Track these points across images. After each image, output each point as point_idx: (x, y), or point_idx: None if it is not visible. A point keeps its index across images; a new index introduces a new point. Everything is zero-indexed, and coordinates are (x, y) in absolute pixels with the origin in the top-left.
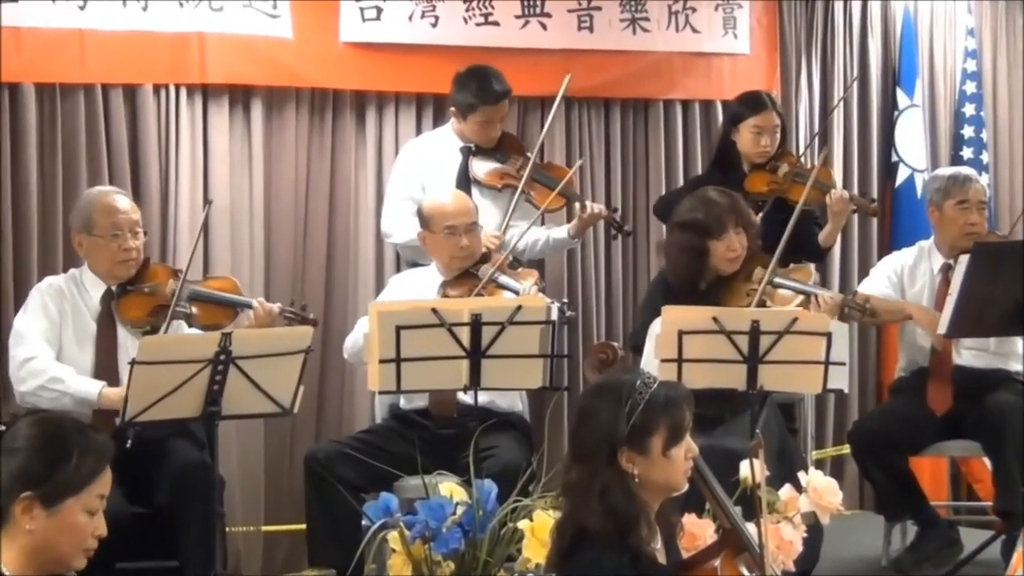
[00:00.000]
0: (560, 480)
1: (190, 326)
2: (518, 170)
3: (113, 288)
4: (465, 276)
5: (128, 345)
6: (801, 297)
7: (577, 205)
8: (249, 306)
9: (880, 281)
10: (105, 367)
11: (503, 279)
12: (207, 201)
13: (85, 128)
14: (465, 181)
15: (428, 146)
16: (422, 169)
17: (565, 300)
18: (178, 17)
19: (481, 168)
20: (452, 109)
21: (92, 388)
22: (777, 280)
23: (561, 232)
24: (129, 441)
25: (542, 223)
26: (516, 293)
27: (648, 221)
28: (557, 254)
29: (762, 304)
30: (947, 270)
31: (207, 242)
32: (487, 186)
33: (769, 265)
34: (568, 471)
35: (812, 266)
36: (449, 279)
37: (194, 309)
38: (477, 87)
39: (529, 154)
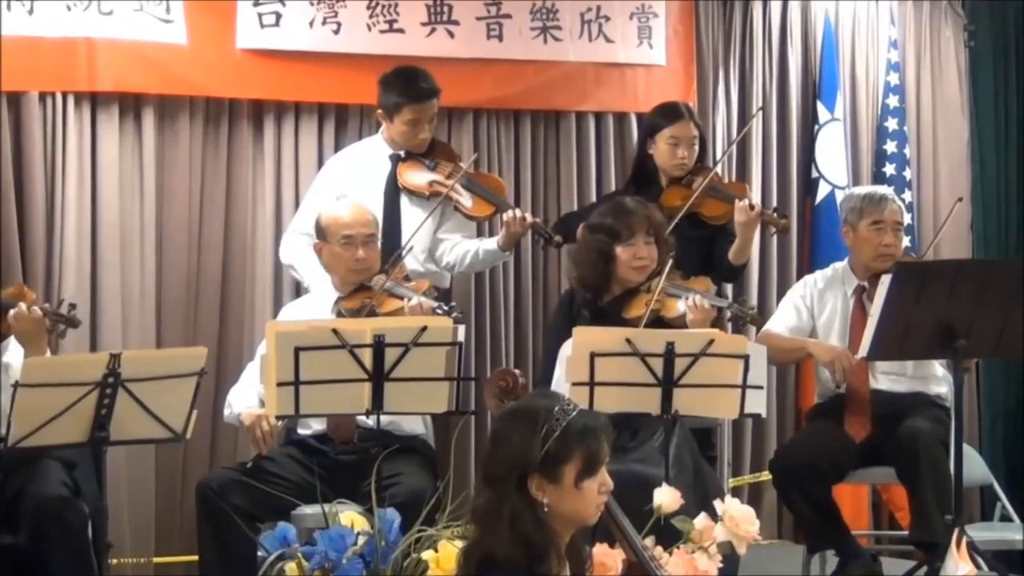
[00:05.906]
0: (469, 505)
1: None
2: (447, 177)
3: None
4: (360, 290)
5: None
6: (686, 302)
7: (504, 215)
8: (12, 307)
9: (788, 314)
10: None
11: (395, 288)
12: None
13: None
14: (394, 190)
15: (355, 158)
16: (344, 182)
17: (453, 303)
18: (65, 21)
19: (408, 174)
20: (379, 112)
21: None
22: (671, 289)
23: (491, 244)
24: None
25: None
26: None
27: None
28: (488, 268)
29: (655, 313)
30: (861, 292)
31: (95, 260)
32: (415, 193)
33: (664, 275)
34: (477, 496)
35: (708, 280)
36: (344, 294)
37: None
38: (403, 85)
39: (462, 163)
